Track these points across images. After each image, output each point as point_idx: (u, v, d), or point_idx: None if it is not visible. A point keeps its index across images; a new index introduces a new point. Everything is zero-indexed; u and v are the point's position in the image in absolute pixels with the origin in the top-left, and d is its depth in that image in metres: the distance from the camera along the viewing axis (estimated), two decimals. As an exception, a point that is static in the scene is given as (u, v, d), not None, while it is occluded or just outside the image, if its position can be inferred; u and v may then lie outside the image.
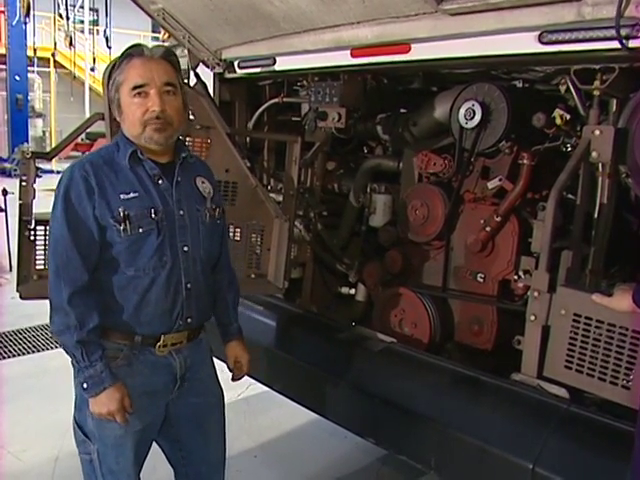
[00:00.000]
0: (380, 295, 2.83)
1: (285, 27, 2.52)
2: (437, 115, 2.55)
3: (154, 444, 1.95)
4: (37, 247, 2.34)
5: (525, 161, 2.26)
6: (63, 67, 19.07)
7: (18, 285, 2.31)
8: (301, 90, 3.04)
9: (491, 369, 2.17)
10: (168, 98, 1.69)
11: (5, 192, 6.32)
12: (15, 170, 14.15)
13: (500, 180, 2.39)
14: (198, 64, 3.07)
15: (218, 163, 2.55)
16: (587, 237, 2.02)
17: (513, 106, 2.26)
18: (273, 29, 2.58)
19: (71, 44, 15.79)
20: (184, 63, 3.01)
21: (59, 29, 16.84)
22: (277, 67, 2.78)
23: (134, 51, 1.70)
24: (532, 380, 1.97)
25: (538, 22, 1.84)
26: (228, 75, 3.09)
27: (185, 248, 1.75)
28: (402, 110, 2.83)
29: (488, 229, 2.37)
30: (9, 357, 4.37)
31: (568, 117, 2.13)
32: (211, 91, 3.10)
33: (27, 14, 13.33)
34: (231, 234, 2.71)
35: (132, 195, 1.67)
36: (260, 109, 3.19)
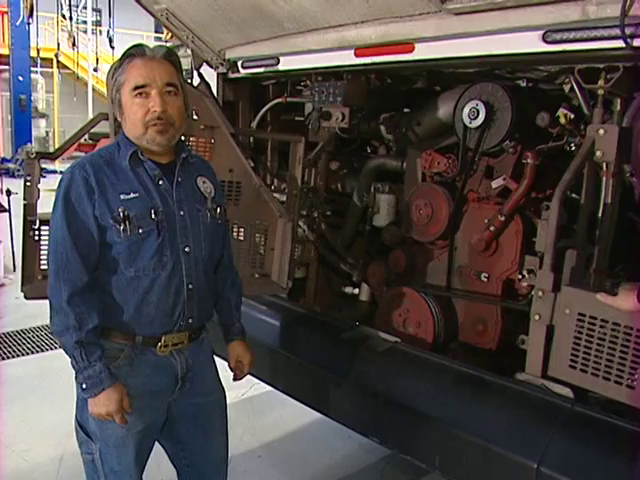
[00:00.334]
0: (384, 295, 2.82)
1: (289, 27, 2.53)
2: (441, 115, 2.56)
3: (157, 444, 1.95)
4: (41, 247, 2.35)
5: (529, 160, 2.26)
6: (66, 67, 19.08)
7: (22, 285, 2.32)
8: (304, 90, 3.04)
9: (495, 369, 2.17)
10: (169, 98, 1.69)
11: (9, 192, 6.33)
12: (19, 170, 14.17)
13: (504, 179, 2.39)
14: (202, 64, 3.07)
15: (222, 163, 2.56)
16: (591, 236, 2.02)
17: (517, 105, 2.27)
18: (277, 29, 2.58)
19: (74, 44, 15.81)
20: (187, 63, 3.02)
21: (62, 29, 16.84)
22: (281, 67, 2.78)
23: (135, 51, 1.70)
24: (536, 379, 1.97)
25: (542, 21, 1.84)
26: (232, 75, 3.09)
27: (186, 249, 1.75)
28: (406, 110, 2.84)
29: (492, 229, 2.37)
30: (13, 357, 4.38)
31: (572, 116, 2.12)
32: (215, 91, 3.10)
33: (30, 14, 13.35)
34: (235, 234, 2.72)
35: (132, 195, 1.67)
36: (264, 109, 3.19)
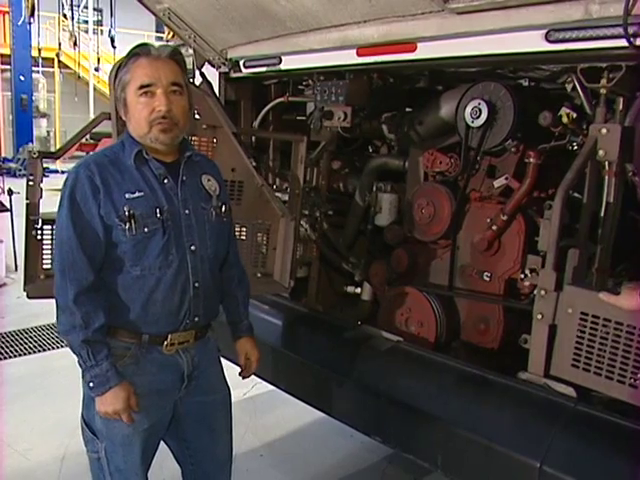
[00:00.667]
0: (386, 294, 2.82)
1: (291, 26, 2.53)
2: (443, 114, 2.55)
3: (161, 442, 1.95)
4: (44, 246, 2.35)
5: (531, 160, 2.26)
6: (67, 67, 19.11)
7: (25, 284, 2.32)
8: (306, 89, 3.04)
9: (498, 368, 2.17)
10: (174, 98, 1.69)
11: (10, 192, 6.34)
12: (20, 170, 14.19)
13: (506, 179, 2.39)
14: (204, 64, 3.07)
15: (224, 162, 2.56)
16: (593, 236, 2.02)
17: (519, 105, 2.26)
18: (279, 28, 2.58)
19: (75, 44, 15.83)
20: (189, 63, 3.01)
21: (63, 29, 16.86)
22: (283, 66, 2.78)
23: (141, 50, 1.70)
24: (539, 379, 1.97)
25: (545, 20, 1.84)
26: (234, 74, 3.09)
27: (192, 247, 1.75)
28: (408, 109, 2.83)
29: (494, 228, 2.37)
30: (15, 356, 4.39)
31: (574, 116, 2.12)
32: (216, 90, 3.11)
33: (32, 14, 13.35)
34: (237, 233, 2.72)
35: (137, 194, 1.68)
36: (265, 108, 3.19)
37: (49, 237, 2.35)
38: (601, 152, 1.93)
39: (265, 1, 2.40)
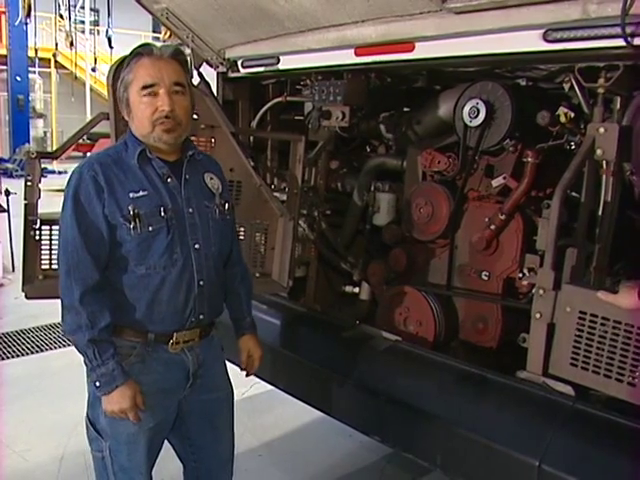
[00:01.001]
0: (385, 293, 2.83)
1: (289, 26, 2.53)
2: (441, 113, 2.56)
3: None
4: (42, 247, 2.35)
5: (529, 159, 2.27)
6: (64, 68, 19.08)
7: (24, 285, 2.32)
8: (304, 89, 3.04)
9: (496, 367, 2.17)
10: (177, 98, 1.70)
11: (8, 192, 6.33)
12: (17, 171, 14.16)
13: (504, 178, 2.39)
14: (202, 63, 3.07)
15: (222, 162, 2.53)
16: (591, 235, 2.02)
17: (517, 104, 2.27)
18: (277, 28, 2.59)
19: (72, 44, 15.80)
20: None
21: (60, 29, 16.84)
22: (281, 66, 2.78)
23: (143, 50, 1.70)
24: (538, 378, 1.97)
25: (543, 20, 1.84)
26: (231, 74, 3.09)
27: (196, 245, 1.76)
28: (406, 109, 2.84)
29: (492, 227, 2.38)
30: (13, 357, 4.37)
31: (572, 115, 2.13)
32: (214, 90, 3.10)
33: (28, 14, 13.34)
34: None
35: (141, 193, 1.68)
36: (264, 108, 3.19)
37: (47, 237, 2.35)
38: (599, 151, 1.94)
39: (263, 1, 2.41)
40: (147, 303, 1.71)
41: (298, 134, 2.82)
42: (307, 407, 2.63)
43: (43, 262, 2.36)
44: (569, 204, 2.04)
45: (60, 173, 14.75)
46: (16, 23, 15.38)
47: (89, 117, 18.67)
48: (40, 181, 2.33)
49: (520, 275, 2.32)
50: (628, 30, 1.66)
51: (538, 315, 1.96)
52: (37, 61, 17.29)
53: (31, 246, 2.32)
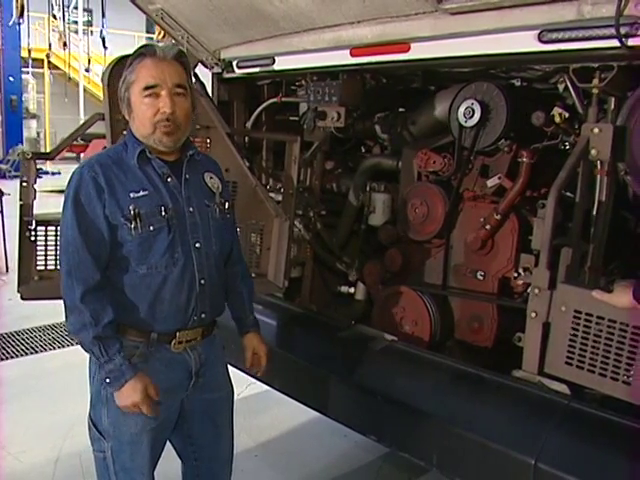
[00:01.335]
0: (380, 294, 2.83)
1: (284, 27, 2.53)
2: (436, 114, 2.57)
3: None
4: (38, 248, 2.35)
5: (524, 159, 2.28)
6: (57, 68, 19.02)
7: (19, 286, 2.32)
8: (300, 90, 3.04)
9: (492, 366, 2.18)
10: (178, 100, 1.70)
11: (1, 193, 6.30)
12: (10, 172, 14.10)
13: (499, 178, 2.40)
14: (197, 64, 3.07)
15: (218, 163, 2.56)
16: (586, 234, 2.03)
17: (512, 105, 2.28)
18: (272, 29, 2.59)
19: (65, 45, 15.76)
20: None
21: (53, 30, 16.78)
22: (276, 67, 2.79)
23: (146, 50, 1.71)
24: (533, 377, 1.98)
25: (538, 21, 1.85)
26: (226, 75, 3.09)
27: (197, 244, 1.76)
28: (401, 109, 2.84)
29: (488, 227, 2.39)
30: (7, 359, 4.35)
31: (567, 115, 2.14)
32: (209, 91, 3.10)
33: (21, 15, 13.30)
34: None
35: (142, 193, 1.69)
36: (259, 109, 3.19)
37: (43, 238, 2.35)
38: (593, 151, 1.95)
39: (259, 2, 2.41)
40: (149, 303, 1.72)
41: (293, 135, 2.82)
42: (302, 407, 2.63)
43: (38, 263, 2.35)
44: (564, 204, 2.05)
45: (53, 174, 14.72)
46: (9, 23, 15.30)
47: (82, 118, 18.64)
48: (35, 182, 2.32)
49: (515, 275, 2.33)
50: (622, 31, 1.67)
51: (533, 314, 1.97)
52: (30, 62, 17.23)
53: (26, 247, 2.32)
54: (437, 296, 2.60)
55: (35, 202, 2.34)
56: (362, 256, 3.03)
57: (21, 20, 13.79)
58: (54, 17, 15.98)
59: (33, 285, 2.33)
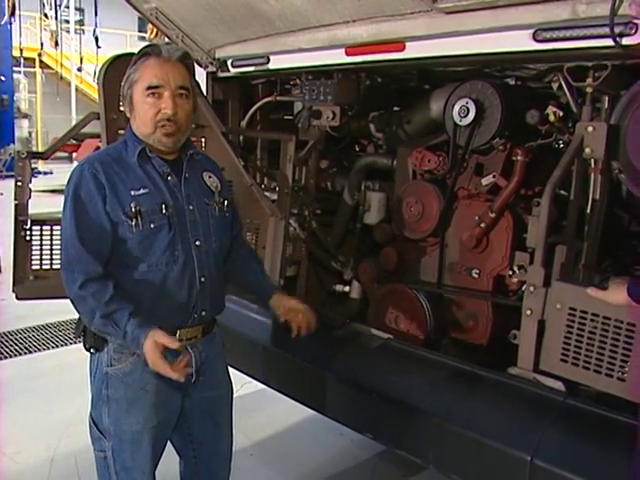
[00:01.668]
0: (375, 292, 2.84)
1: (280, 26, 2.53)
2: (431, 113, 2.58)
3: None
4: (33, 247, 2.34)
5: (519, 157, 2.28)
6: (49, 67, 18.94)
7: (14, 285, 2.32)
8: (294, 89, 3.05)
9: (487, 364, 2.19)
10: (180, 101, 1.70)
11: (-6, 193, 6.28)
12: (1, 171, 14.03)
13: (494, 177, 2.41)
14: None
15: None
16: (580, 232, 2.05)
17: (506, 103, 2.29)
18: (267, 28, 2.59)
19: (57, 44, 15.69)
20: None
21: (45, 29, 16.70)
22: (271, 66, 2.79)
23: (151, 50, 1.70)
24: (528, 374, 1.99)
25: (533, 20, 1.87)
26: (221, 74, 3.10)
27: (197, 242, 1.77)
28: (396, 108, 2.85)
29: (482, 225, 2.39)
30: (1, 359, 4.33)
31: (561, 114, 2.16)
32: (204, 90, 3.10)
33: (12, 14, 13.23)
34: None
35: (142, 191, 1.69)
36: (253, 108, 3.20)
37: (38, 238, 2.34)
38: (587, 150, 1.96)
39: (254, 0, 2.41)
40: (150, 300, 1.72)
41: (288, 134, 2.82)
42: (298, 406, 2.63)
43: (33, 263, 2.35)
44: (558, 202, 2.06)
45: (45, 174, 14.66)
46: (1, 23, 15.22)
47: (74, 117, 18.57)
48: (30, 181, 2.32)
49: (510, 272, 2.34)
50: (616, 30, 1.69)
51: (529, 312, 1.98)
52: (22, 61, 17.14)
53: (22, 247, 2.32)
54: (432, 294, 2.61)
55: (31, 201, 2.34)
56: (357, 255, 3.04)
57: (12, 19, 13.71)
58: (45, 16, 15.90)
59: (28, 285, 2.32)
